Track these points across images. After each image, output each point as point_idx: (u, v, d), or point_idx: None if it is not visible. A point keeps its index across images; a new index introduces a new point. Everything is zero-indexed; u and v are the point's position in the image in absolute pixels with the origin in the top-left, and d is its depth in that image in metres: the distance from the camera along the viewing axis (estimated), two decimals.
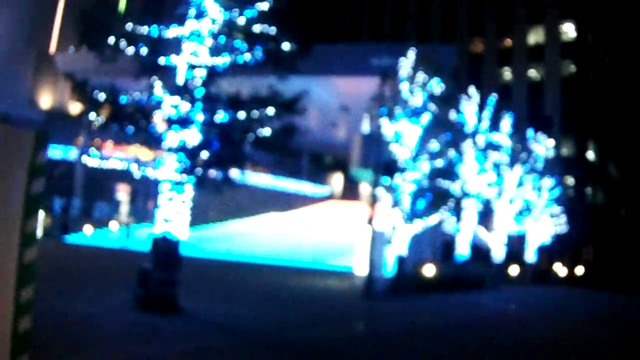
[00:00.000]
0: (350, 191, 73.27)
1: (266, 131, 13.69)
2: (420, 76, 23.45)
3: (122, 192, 55.55)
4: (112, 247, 36.98)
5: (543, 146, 40.24)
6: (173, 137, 13.23)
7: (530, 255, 41.23)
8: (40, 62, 53.77)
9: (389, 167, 22.85)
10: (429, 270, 25.40)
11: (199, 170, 13.29)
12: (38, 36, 54.66)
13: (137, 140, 13.64)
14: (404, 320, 16.89)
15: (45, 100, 55.42)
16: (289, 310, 16.86)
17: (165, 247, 13.48)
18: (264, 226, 51.56)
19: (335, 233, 45.26)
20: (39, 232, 25.44)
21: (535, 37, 70.98)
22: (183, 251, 14.20)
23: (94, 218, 49.13)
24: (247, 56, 13.83)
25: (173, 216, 13.48)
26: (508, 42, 72.10)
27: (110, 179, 53.35)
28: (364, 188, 73.77)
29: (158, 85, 13.12)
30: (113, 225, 46.52)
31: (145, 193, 50.46)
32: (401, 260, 23.82)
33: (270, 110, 13.69)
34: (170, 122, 13.19)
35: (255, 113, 13.70)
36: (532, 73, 70.13)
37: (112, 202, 54.67)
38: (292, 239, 43.24)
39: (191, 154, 13.15)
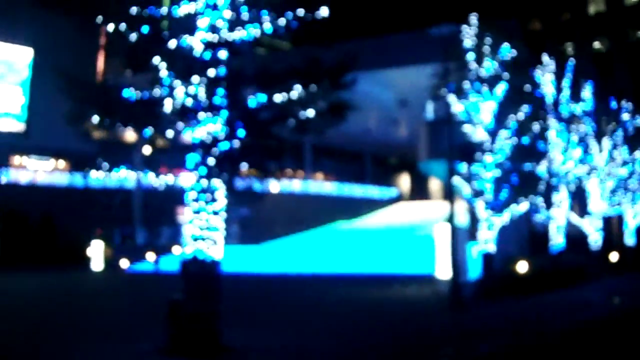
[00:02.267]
0: (419, 190, 69.82)
1: (310, 112, 10.81)
2: (488, 42, 20.19)
3: (183, 215, 53.69)
4: (174, 274, 34.80)
5: (629, 115, 35.97)
6: (191, 132, 10.50)
7: (629, 239, 36.92)
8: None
9: (464, 152, 19.66)
10: (521, 266, 21.95)
11: (225, 172, 10.47)
12: (82, 66, 53.53)
13: (149, 141, 10.96)
14: (508, 337, 13.59)
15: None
16: (364, 333, 13.89)
17: (198, 271, 10.73)
18: (333, 236, 48.71)
19: (409, 235, 42.01)
20: (101, 264, 23.63)
21: (595, 6, 66.22)
22: (228, 271, 11.48)
23: (158, 244, 47.36)
24: (278, 23, 10.97)
25: (204, 232, 10.73)
26: (567, 15, 67.45)
27: (170, 203, 51.67)
28: (434, 184, 70.28)
29: (163, 68, 10.43)
30: (176, 250, 44.62)
31: None
32: (488, 259, 20.52)
33: (312, 87, 10.81)
34: (185, 113, 10.48)
35: (294, 93, 10.84)
36: (596, 45, 65.39)
37: (174, 227, 52.96)
38: (362, 246, 40.20)
39: (214, 150, 10.36)
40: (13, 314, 17.06)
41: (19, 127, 51.68)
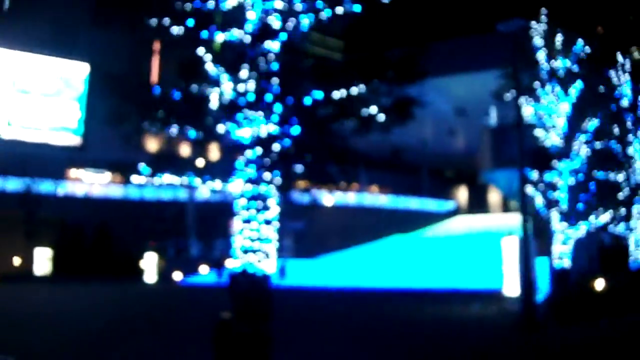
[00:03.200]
0: (478, 203, 67.78)
1: (372, 109, 9.57)
2: (560, 38, 18.70)
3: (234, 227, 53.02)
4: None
5: None
6: (240, 131, 9.37)
7: None
8: None
9: (536, 158, 18.13)
10: (598, 284, 20.14)
11: (278, 176, 9.30)
12: (138, 79, 53.53)
13: (198, 141, 9.85)
14: None
15: (152, 142, 54.13)
16: (427, 356, 12.53)
17: (247, 287, 9.59)
18: (389, 249, 47.24)
19: (470, 249, 40.20)
20: (154, 276, 23.14)
21: None
22: (277, 288, 10.32)
23: (212, 257, 46.86)
24: (339, 9, 9.76)
25: (255, 244, 9.59)
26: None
27: (224, 216, 51.09)
28: (493, 197, 68.07)
29: (208, 60, 9.36)
30: (229, 263, 43.89)
31: None
32: (563, 275, 18.85)
33: (375, 82, 9.58)
34: (234, 111, 9.36)
35: (355, 89, 9.62)
36: None
37: (228, 239, 52.36)
38: (421, 260, 38.63)
39: (266, 150, 9.21)
40: (57, 328, 16.29)
41: (75, 140, 52.16)
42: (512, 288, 20.76)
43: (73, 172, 51.23)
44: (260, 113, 9.37)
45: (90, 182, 50.74)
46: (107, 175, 51.98)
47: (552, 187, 18.56)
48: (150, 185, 47.98)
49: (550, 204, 18.63)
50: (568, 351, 13.42)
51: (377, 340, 14.77)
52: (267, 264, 9.66)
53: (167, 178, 9.73)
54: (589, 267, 25.47)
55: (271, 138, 9.25)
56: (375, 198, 58.60)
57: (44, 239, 43.98)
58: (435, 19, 51.29)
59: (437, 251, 41.68)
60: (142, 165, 9.79)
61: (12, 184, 44.96)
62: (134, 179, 9.63)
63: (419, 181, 64.59)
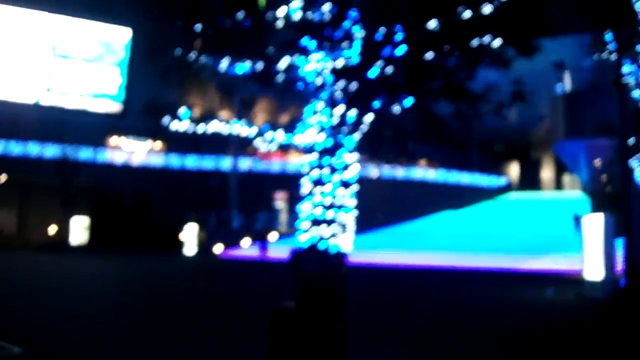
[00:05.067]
0: (530, 179, 64.96)
1: (485, 39, 7.28)
2: None
3: (280, 200, 51.49)
4: (271, 262, 32.21)
5: None
6: (310, 65, 7.19)
7: None
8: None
9: (636, 123, 15.68)
10: None
11: (362, 120, 7.11)
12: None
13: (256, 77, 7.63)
14: None
15: (195, 108, 52.48)
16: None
17: (317, 268, 7.49)
18: (441, 226, 44.98)
19: (532, 226, 37.71)
20: (194, 248, 21.18)
21: None
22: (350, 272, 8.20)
23: (255, 230, 45.37)
24: None
25: (329, 213, 7.46)
26: None
27: (268, 187, 49.68)
28: (546, 173, 65.02)
29: None
30: (272, 236, 42.36)
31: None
32: None
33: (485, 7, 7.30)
34: (302, 35, 7.17)
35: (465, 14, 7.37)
36: None
37: (271, 212, 50.77)
38: (477, 238, 36.32)
39: (345, 87, 6.99)
40: (83, 302, 14.57)
41: (116, 107, 50.79)
42: (593, 271, 18.39)
43: (113, 140, 49.92)
44: (337, 42, 7.18)
45: (130, 150, 49.39)
46: (148, 143, 50.62)
47: None
48: (191, 149, 46.44)
49: None
50: None
51: (439, 330, 12.64)
52: (342, 238, 7.51)
53: (214, 125, 7.65)
54: None
55: (356, 69, 7.03)
56: (424, 172, 56.23)
57: (81, 208, 42.90)
58: None
59: (496, 228, 39.33)
60: (183, 110, 7.74)
61: (50, 151, 43.76)
62: (173, 125, 7.59)
63: (468, 156, 61.97)
